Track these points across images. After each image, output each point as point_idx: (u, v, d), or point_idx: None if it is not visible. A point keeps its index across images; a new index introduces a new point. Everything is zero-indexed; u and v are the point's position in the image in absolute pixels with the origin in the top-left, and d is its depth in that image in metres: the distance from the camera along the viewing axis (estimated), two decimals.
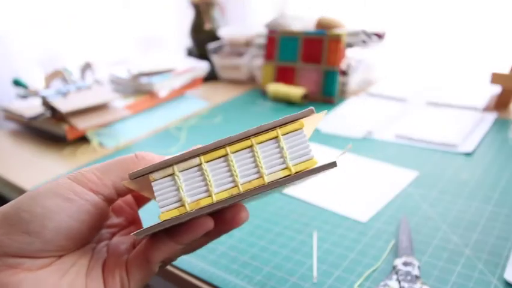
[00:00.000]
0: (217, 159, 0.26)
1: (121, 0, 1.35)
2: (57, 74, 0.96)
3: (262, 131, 0.25)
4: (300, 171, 0.25)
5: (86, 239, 0.29)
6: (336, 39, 0.93)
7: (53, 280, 0.26)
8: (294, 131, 0.25)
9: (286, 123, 0.25)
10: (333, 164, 0.24)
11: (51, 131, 0.86)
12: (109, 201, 0.29)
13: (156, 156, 0.31)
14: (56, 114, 0.85)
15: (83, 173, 0.27)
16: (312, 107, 0.25)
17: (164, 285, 0.52)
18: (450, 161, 0.66)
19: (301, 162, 0.25)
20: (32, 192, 0.26)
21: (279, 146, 0.26)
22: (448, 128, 0.76)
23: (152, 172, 0.25)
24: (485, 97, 0.87)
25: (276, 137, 0.25)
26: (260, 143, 0.26)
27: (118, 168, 0.28)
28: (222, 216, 0.30)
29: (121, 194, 0.29)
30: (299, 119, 0.25)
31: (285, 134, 0.25)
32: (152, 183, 0.26)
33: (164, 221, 0.25)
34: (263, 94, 1.04)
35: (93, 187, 0.27)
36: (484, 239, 0.48)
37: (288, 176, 0.25)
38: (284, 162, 0.25)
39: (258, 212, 0.57)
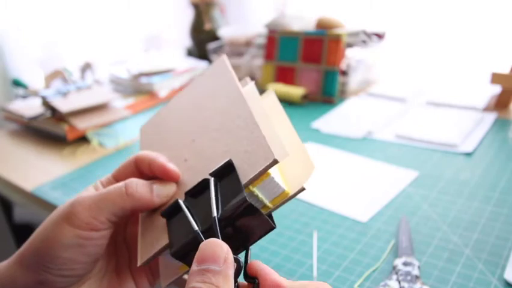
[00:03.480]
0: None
1: (121, 0, 1.35)
2: (57, 74, 0.96)
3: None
4: (276, 204, 0.30)
5: (106, 249, 0.34)
6: (336, 39, 0.93)
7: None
8: (263, 180, 0.29)
9: (256, 179, 0.28)
10: (302, 190, 0.29)
11: (51, 131, 0.86)
12: (110, 229, 0.32)
13: (144, 192, 0.32)
14: (56, 114, 0.85)
15: (79, 216, 0.30)
16: (275, 158, 0.28)
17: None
18: (450, 161, 0.66)
19: (276, 197, 0.29)
20: (45, 245, 0.30)
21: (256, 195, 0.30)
22: (448, 128, 0.76)
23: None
24: (485, 97, 0.87)
25: (252, 192, 0.29)
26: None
27: (108, 206, 0.31)
28: None
29: (117, 223, 0.32)
30: (263, 173, 0.28)
31: (257, 185, 0.29)
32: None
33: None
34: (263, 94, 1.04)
35: (92, 227, 0.30)
36: (484, 239, 0.48)
37: (269, 210, 0.30)
38: (262, 202, 0.30)
39: None
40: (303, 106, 0.95)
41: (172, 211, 0.31)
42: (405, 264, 0.44)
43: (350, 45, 0.98)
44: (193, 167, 0.34)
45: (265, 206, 0.29)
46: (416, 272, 0.43)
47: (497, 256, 0.45)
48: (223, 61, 0.42)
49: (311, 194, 0.60)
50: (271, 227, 0.29)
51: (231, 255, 0.25)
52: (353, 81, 0.99)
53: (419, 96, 0.92)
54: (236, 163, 0.30)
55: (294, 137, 0.33)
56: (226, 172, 0.30)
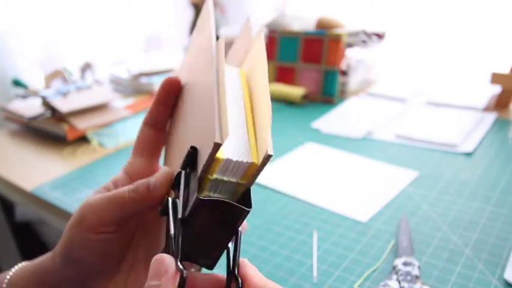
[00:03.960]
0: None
1: (121, 0, 1.35)
2: (57, 74, 0.96)
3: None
4: (249, 178, 0.28)
5: (123, 253, 0.34)
6: (336, 39, 0.93)
7: (122, 283, 0.33)
8: (219, 164, 0.27)
9: (209, 167, 0.27)
10: (269, 156, 0.26)
11: (51, 131, 0.86)
12: (116, 232, 0.33)
13: (143, 190, 0.32)
14: (56, 114, 0.85)
15: (87, 218, 0.31)
16: (215, 142, 0.25)
17: None
18: (450, 161, 0.66)
19: (245, 172, 0.28)
20: (66, 243, 0.32)
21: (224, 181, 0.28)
22: (448, 128, 0.76)
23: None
24: (485, 97, 0.87)
25: (216, 178, 0.27)
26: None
27: (114, 210, 0.32)
28: None
29: (124, 225, 0.33)
30: (213, 160, 0.26)
31: (217, 171, 0.27)
32: None
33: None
34: None
35: (100, 230, 0.31)
36: (484, 239, 0.48)
37: (244, 187, 0.28)
38: (233, 182, 0.28)
39: (258, 212, 0.57)
40: (303, 106, 0.95)
41: (167, 208, 0.31)
42: (405, 264, 0.44)
43: (350, 45, 0.98)
44: (180, 149, 0.33)
45: (238, 183, 0.28)
46: (416, 272, 0.43)
47: (497, 256, 0.45)
48: (207, 6, 0.39)
49: (311, 194, 0.60)
50: (245, 211, 0.27)
51: (171, 269, 0.25)
52: (353, 81, 0.99)
53: (419, 96, 0.92)
54: (200, 150, 0.28)
55: (264, 98, 0.30)
56: (194, 160, 0.28)
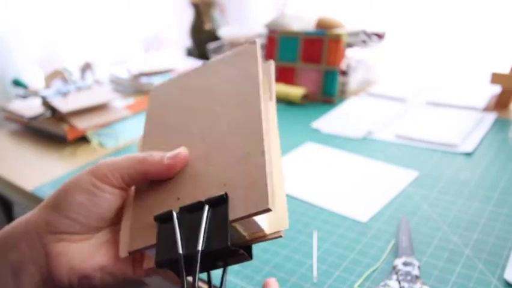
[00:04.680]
0: None
1: (121, 0, 1.35)
2: (57, 74, 0.96)
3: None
4: (253, 238, 0.31)
5: (113, 219, 0.36)
6: (336, 39, 0.93)
7: (90, 249, 0.34)
8: (247, 219, 0.29)
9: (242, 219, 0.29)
10: (279, 236, 0.30)
11: (51, 131, 0.86)
12: (121, 189, 0.35)
13: (156, 157, 0.35)
14: (56, 114, 0.85)
15: (100, 169, 0.34)
16: (268, 207, 0.28)
17: (164, 285, 0.52)
18: (450, 161, 0.66)
19: (254, 233, 0.31)
20: (67, 186, 0.34)
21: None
22: (448, 128, 0.76)
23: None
24: (485, 97, 0.87)
25: (234, 226, 0.30)
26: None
27: (125, 165, 0.34)
28: None
29: (128, 184, 0.35)
30: (251, 216, 0.29)
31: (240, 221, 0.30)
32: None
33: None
34: None
35: (107, 181, 0.34)
36: (484, 239, 0.48)
37: (246, 240, 0.31)
38: (241, 234, 0.31)
39: None
40: (303, 106, 0.95)
41: (165, 218, 0.32)
42: (405, 264, 0.44)
43: (350, 45, 0.98)
44: (192, 176, 0.34)
45: (244, 236, 0.31)
46: (416, 272, 0.43)
47: (497, 256, 0.45)
48: (254, 49, 0.40)
49: (311, 194, 0.60)
50: (248, 260, 0.31)
51: None
52: (353, 81, 0.99)
53: (419, 96, 0.92)
54: (230, 195, 0.30)
55: (277, 156, 0.34)
56: (220, 201, 0.30)
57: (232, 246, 0.28)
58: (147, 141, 0.40)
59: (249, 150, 0.32)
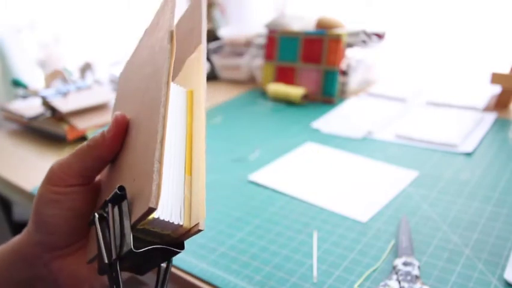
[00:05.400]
0: None
1: (121, 0, 1.35)
2: (57, 74, 0.96)
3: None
4: (178, 234, 0.29)
5: (89, 216, 0.35)
6: (336, 39, 0.93)
7: (78, 262, 0.34)
8: (151, 219, 0.27)
9: (139, 222, 0.28)
10: (198, 231, 0.28)
11: (51, 131, 0.86)
12: (84, 184, 0.34)
13: (97, 136, 0.33)
14: (56, 114, 0.85)
15: (54, 173, 0.33)
16: (150, 207, 0.26)
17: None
18: (450, 161, 0.66)
19: (175, 230, 0.29)
20: (35, 206, 0.34)
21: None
22: (448, 128, 0.76)
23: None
24: (485, 97, 0.87)
25: (146, 228, 0.29)
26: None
27: (77, 161, 0.34)
28: None
29: (89, 176, 0.35)
30: (144, 218, 0.27)
31: (148, 223, 0.28)
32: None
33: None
34: (263, 94, 1.04)
35: (65, 183, 0.33)
36: (484, 239, 0.48)
37: (174, 238, 0.30)
38: (162, 233, 0.29)
39: (258, 212, 0.58)
40: (303, 106, 0.95)
41: (93, 221, 0.32)
42: (405, 264, 0.44)
43: (350, 45, 0.98)
44: (125, 163, 0.33)
45: (168, 235, 0.29)
46: (416, 272, 0.43)
47: (497, 256, 0.45)
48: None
49: (311, 194, 0.60)
50: (177, 252, 0.29)
51: None
52: (353, 81, 0.99)
53: (419, 96, 0.92)
54: (128, 191, 0.29)
55: (201, 148, 0.30)
56: (121, 197, 0.29)
57: (139, 249, 0.27)
58: None
59: (148, 142, 0.29)
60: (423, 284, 0.42)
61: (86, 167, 0.34)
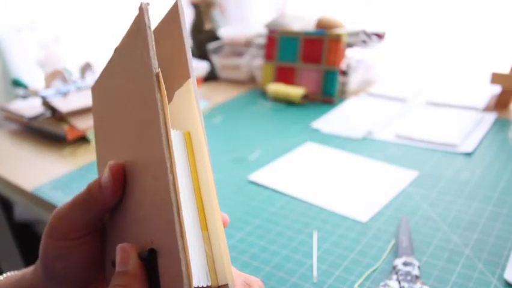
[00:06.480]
0: None
1: (121, 0, 1.35)
2: (57, 74, 0.96)
3: None
4: None
5: (101, 260, 0.34)
6: (336, 39, 0.93)
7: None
8: None
9: None
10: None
11: (51, 131, 0.86)
12: (89, 234, 0.33)
13: (95, 189, 0.31)
14: (56, 114, 0.85)
15: (56, 229, 0.32)
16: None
17: None
18: (450, 161, 0.66)
19: None
20: (43, 258, 0.33)
21: None
22: (447, 128, 0.76)
23: None
24: (485, 97, 0.87)
25: None
26: None
27: (77, 215, 0.32)
28: None
29: (93, 226, 0.33)
30: None
31: None
32: None
33: None
34: (263, 94, 1.04)
35: (71, 236, 0.32)
36: (484, 239, 0.48)
37: None
38: None
39: (258, 212, 0.58)
40: (303, 106, 0.95)
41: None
42: (405, 264, 0.44)
43: (350, 45, 0.98)
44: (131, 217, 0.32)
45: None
46: (416, 272, 0.43)
47: (497, 256, 0.45)
48: (143, 25, 0.30)
49: (311, 194, 0.60)
50: None
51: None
52: (353, 81, 0.99)
53: (419, 96, 0.92)
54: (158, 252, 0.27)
55: (212, 192, 0.28)
56: (153, 258, 0.28)
57: None
58: (97, 147, 0.38)
59: (158, 203, 0.27)
60: (423, 284, 0.42)
61: (88, 219, 0.32)
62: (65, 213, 0.32)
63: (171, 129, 0.28)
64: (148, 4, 0.31)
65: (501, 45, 1.06)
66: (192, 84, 0.29)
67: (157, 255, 0.27)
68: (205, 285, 0.26)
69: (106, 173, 0.30)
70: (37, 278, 0.35)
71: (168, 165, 0.26)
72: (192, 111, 0.29)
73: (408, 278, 0.42)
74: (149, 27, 0.30)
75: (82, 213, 0.31)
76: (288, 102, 0.97)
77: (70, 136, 0.83)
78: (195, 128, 0.29)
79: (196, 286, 0.26)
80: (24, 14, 1.13)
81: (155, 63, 0.28)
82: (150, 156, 0.28)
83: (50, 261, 0.32)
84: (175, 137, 0.29)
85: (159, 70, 0.28)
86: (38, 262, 0.34)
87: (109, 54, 0.37)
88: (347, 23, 1.01)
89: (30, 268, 0.36)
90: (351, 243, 0.50)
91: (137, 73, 0.30)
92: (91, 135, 0.85)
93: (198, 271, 0.26)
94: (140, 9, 0.31)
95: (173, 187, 0.26)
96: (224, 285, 0.26)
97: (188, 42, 0.30)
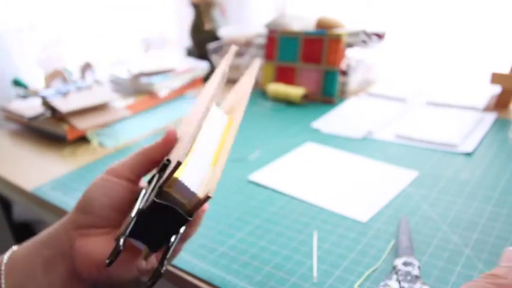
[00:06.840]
0: None
1: (121, 0, 1.35)
2: (57, 74, 0.96)
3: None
4: (192, 205, 0.35)
5: (126, 212, 0.39)
6: (336, 39, 0.93)
7: (108, 242, 0.37)
8: (175, 182, 0.35)
9: (167, 180, 0.34)
10: (207, 198, 0.33)
11: (51, 131, 0.86)
12: (129, 180, 0.40)
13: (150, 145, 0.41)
14: (56, 114, 0.85)
15: (111, 166, 0.40)
16: (178, 161, 0.32)
17: (164, 285, 0.52)
18: (450, 161, 0.66)
19: (191, 200, 0.35)
20: (88, 187, 0.39)
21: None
22: (448, 128, 0.76)
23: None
24: (485, 97, 0.87)
25: (170, 192, 0.35)
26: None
27: (131, 158, 0.41)
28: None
29: (139, 173, 0.41)
30: (171, 176, 0.34)
31: (172, 187, 0.35)
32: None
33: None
34: (263, 94, 1.04)
35: (115, 174, 0.40)
36: (484, 239, 0.48)
37: (189, 209, 0.36)
38: (181, 201, 0.36)
39: (258, 212, 0.58)
40: (303, 106, 0.95)
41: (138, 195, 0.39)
42: (405, 264, 0.44)
43: (350, 45, 0.98)
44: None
45: (184, 204, 0.35)
46: (416, 272, 0.43)
47: (497, 256, 0.45)
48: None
49: (311, 194, 0.60)
50: (187, 219, 0.35)
51: None
52: (353, 81, 0.99)
53: (419, 96, 0.92)
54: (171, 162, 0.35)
55: (226, 151, 0.39)
56: (165, 169, 0.36)
57: (162, 201, 0.33)
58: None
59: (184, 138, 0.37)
60: (423, 284, 0.42)
61: (137, 163, 0.40)
62: (122, 161, 0.40)
63: (224, 113, 0.46)
64: None
65: (501, 45, 1.06)
66: (246, 100, 0.46)
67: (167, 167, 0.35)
68: (192, 190, 0.34)
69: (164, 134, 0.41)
70: (65, 217, 0.40)
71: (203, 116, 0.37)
72: (240, 111, 0.45)
73: (408, 278, 0.42)
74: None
75: (133, 158, 0.40)
76: (288, 102, 0.97)
77: (70, 136, 0.83)
78: (237, 120, 0.44)
79: (187, 186, 0.34)
80: (25, 14, 1.12)
81: (226, 69, 0.45)
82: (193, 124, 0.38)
83: (90, 189, 0.39)
84: (223, 116, 0.46)
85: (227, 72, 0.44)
86: (69, 214, 0.39)
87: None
88: (347, 23, 1.01)
89: (49, 232, 0.40)
90: (351, 243, 0.50)
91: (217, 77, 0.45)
92: (91, 135, 0.85)
93: (194, 181, 0.35)
94: None
95: (205, 112, 0.37)
96: (205, 196, 0.33)
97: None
